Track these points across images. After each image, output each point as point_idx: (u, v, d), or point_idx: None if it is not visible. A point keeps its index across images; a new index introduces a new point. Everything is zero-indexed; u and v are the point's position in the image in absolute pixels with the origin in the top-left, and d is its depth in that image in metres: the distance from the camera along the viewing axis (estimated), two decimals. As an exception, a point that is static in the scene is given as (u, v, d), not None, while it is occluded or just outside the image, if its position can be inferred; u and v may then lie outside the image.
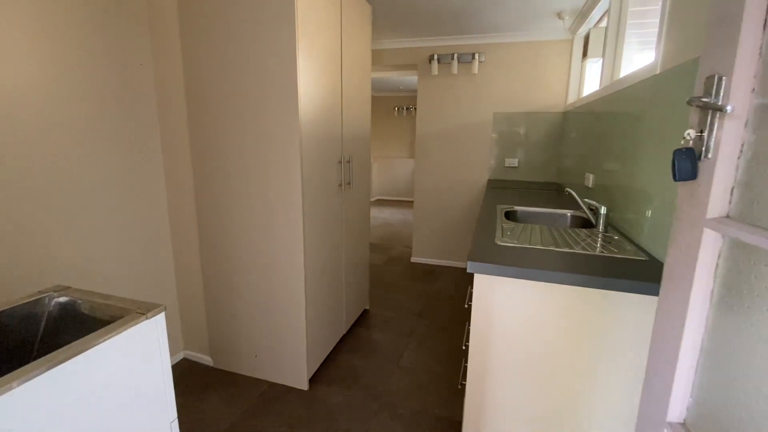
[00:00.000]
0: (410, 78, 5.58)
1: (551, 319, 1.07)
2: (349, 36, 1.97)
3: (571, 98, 2.94)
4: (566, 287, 1.04)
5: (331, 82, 1.79)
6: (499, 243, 1.26)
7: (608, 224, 1.55)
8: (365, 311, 2.62)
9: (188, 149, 1.75)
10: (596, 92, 2.11)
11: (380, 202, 7.26)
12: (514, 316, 1.11)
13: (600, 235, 1.40)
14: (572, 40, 2.88)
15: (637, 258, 1.14)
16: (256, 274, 1.75)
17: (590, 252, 1.19)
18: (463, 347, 1.72)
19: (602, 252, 1.20)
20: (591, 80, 2.77)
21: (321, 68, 1.68)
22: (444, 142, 3.37)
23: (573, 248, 1.22)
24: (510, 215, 1.88)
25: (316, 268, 1.79)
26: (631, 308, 1.00)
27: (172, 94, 1.72)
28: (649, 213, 1.35)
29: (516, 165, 3.23)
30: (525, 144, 3.18)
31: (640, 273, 1.02)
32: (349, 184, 2.07)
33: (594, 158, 1.98)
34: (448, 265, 3.60)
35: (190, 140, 1.74)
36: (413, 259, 3.71)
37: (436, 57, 3.14)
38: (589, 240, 1.34)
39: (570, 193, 1.68)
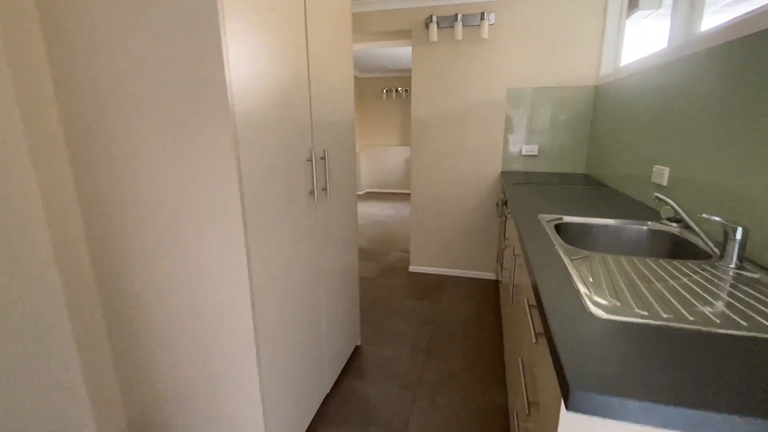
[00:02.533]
0: (400, 54, 4.94)
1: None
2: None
3: (606, 68, 2.37)
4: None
5: (288, 49, 1.18)
6: (594, 310, 0.69)
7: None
8: (356, 349, 2.06)
9: (63, 139, 1.13)
10: (661, 54, 1.54)
11: (369, 196, 6.66)
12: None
13: (740, 276, 0.85)
14: (608, -7, 2.29)
15: None
16: (181, 328, 1.16)
17: (776, 330, 0.63)
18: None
19: (794, 328, 0.64)
20: (635, 45, 2.19)
21: (269, 30, 1.07)
22: (446, 126, 2.78)
23: (739, 322, 0.66)
24: (560, 229, 1.32)
25: (277, 312, 1.21)
26: None
27: (28, 70, 1.09)
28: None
29: (535, 153, 2.66)
30: (546, 127, 2.61)
31: None
32: (324, 189, 1.48)
33: (669, 145, 1.42)
34: (454, 275, 3.05)
35: (65, 130, 1.12)
36: (412, 268, 3.16)
37: (434, 19, 2.52)
38: (733, 290, 0.78)
39: (662, 201, 1.12)
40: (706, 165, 1.20)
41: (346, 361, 1.88)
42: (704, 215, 0.95)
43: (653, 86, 1.61)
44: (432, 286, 2.87)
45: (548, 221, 1.33)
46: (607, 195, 1.80)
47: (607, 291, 0.78)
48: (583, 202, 1.64)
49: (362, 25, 2.74)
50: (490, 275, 2.98)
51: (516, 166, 2.73)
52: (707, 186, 1.19)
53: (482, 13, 2.43)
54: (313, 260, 1.43)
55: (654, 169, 1.52)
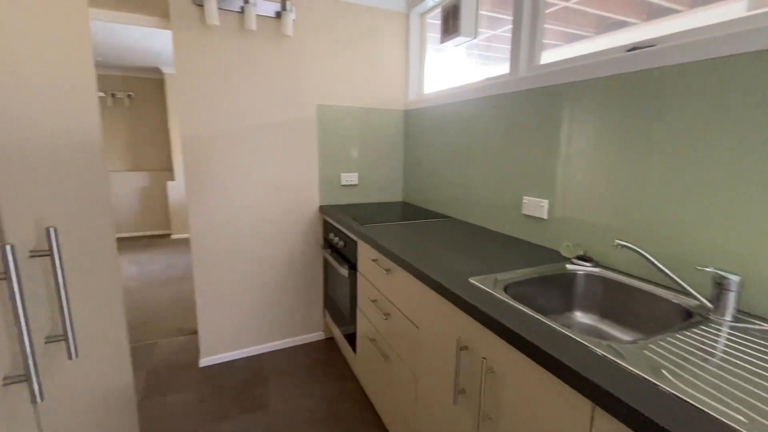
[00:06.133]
0: (120, 42, 3.54)
1: None
2: None
3: (412, 94, 2.35)
4: None
5: None
6: None
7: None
8: None
9: None
10: (503, 82, 1.54)
11: (86, 248, 4.51)
12: None
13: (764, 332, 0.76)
14: (408, 16, 2.27)
15: None
16: None
17: None
18: None
19: None
20: (446, 72, 2.25)
21: None
22: (240, 148, 2.02)
23: None
24: (507, 292, 0.99)
25: None
26: None
27: None
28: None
29: (356, 182, 2.34)
30: (364, 153, 2.34)
31: None
32: (65, 339, 0.53)
33: (547, 176, 1.39)
34: (273, 350, 2.29)
35: None
36: (206, 361, 2.14)
37: (212, -8, 1.74)
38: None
39: (627, 248, 0.98)
40: (606, 201, 1.18)
41: None
42: (711, 269, 0.84)
43: (497, 114, 1.60)
44: (247, 381, 2.00)
45: (494, 286, 0.98)
46: (468, 229, 1.67)
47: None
48: (467, 243, 1.41)
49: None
50: (318, 335, 2.42)
51: (337, 199, 2.32)
52: (604, 219, 1.17)
53: (284, 2, 1.88)
54: None
55: (525, 201, 1.48)
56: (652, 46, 1.06)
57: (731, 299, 0.82)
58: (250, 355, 2.23)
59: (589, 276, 1.13)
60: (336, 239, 2.02)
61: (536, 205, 1.43)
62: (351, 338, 1.91)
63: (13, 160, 0.49)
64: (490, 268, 1.13)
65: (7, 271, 0.40)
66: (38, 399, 0.44)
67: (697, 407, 0.55)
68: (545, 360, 0.70)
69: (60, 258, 0.51)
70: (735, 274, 0.83)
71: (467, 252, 1.31)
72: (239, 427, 1.67)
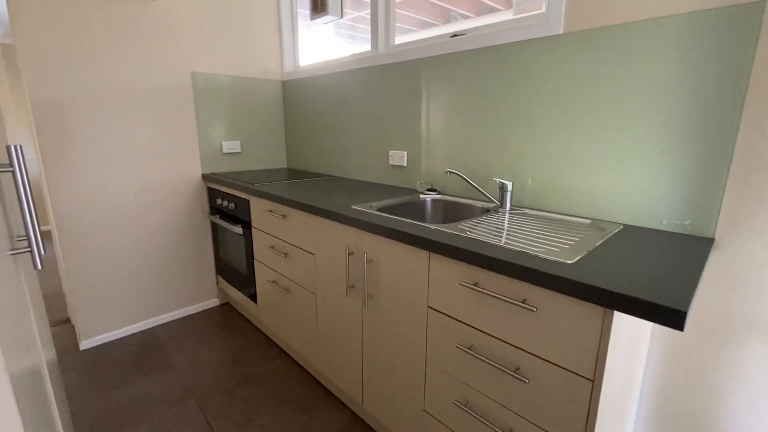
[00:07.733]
0: None
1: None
2: None
3: (288, 65, 2.54)
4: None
5: None
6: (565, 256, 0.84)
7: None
8: None
9: None
10: (368, 57, 1.90)
11: None
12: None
13: (524, 213, 1.30)
14: (277, -9, 2.43)
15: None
16: None
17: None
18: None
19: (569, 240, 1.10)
20: (319, 47, 2.49)
21: None
22: (107, 116, 1.93)
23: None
24: (380, 211, 1.37)
25: None
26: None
27: None
28: (530, 182, 1.40)
29: (238, 150, 2.44)
30: (244, 121, 2.45)
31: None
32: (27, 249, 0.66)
33: (405, 133, 1.81)
34: (165, 321, 2.29)
35: None
36: (88, 343, 2.04)
37: (57, -60, 1.61)
38: (556, 230, 1.19)
39: (453, 174, 1.44)
40: (443, 147, 1.66)
41: None
42: (496, 179, 1.35)
43: (364, 84, 1.95)
44: (143, 351, 2.01)
45: (370, 208, 1.34)
46: (347, 182, 2.02)
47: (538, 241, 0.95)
48: (347, 189, 1.76)
49: None
50: (213, 302, 2.50)
51: (220, 167, 2.39)
52: (443, 160, 1.65)
53: (146, -39, 1.84)
54: None
55: (390, 154, 1.89)
56: (464, 35, 1.53)
57: (508, 198, 1.35)
58: (142, 329, 2.20)
59: (434, 200, 1.59)
60: (225, 203, 2.13)
61: (399, 157, 1.85)
62: (251, 295, 2.09)
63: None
64: (366, 200, 1.50)
65: (18, 164, 0.55)
66: (38, 266, 0.60)
67: (481, 240, 0.99)
68: (402, 237, 1.09)
69: (25, 171, 0.64)
70: (510, 181, 1.36)
71: (348, 194, 1.65)
72: (144, 388, 1.72)
